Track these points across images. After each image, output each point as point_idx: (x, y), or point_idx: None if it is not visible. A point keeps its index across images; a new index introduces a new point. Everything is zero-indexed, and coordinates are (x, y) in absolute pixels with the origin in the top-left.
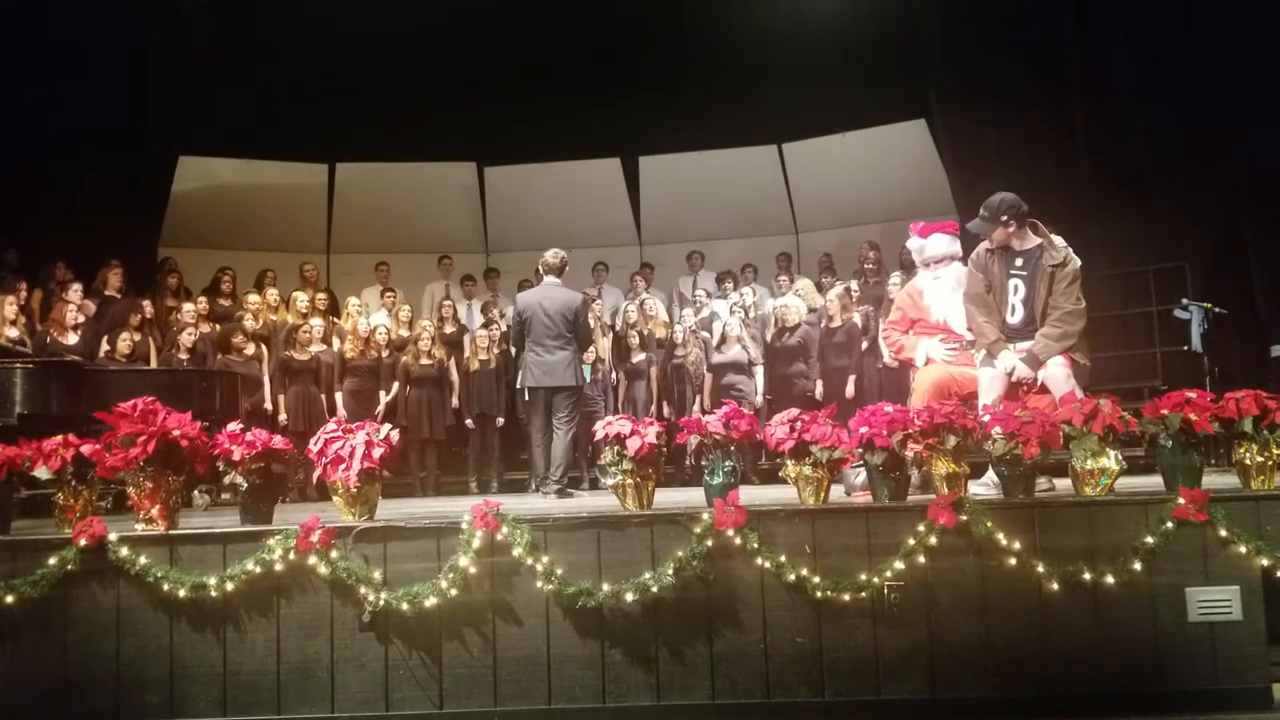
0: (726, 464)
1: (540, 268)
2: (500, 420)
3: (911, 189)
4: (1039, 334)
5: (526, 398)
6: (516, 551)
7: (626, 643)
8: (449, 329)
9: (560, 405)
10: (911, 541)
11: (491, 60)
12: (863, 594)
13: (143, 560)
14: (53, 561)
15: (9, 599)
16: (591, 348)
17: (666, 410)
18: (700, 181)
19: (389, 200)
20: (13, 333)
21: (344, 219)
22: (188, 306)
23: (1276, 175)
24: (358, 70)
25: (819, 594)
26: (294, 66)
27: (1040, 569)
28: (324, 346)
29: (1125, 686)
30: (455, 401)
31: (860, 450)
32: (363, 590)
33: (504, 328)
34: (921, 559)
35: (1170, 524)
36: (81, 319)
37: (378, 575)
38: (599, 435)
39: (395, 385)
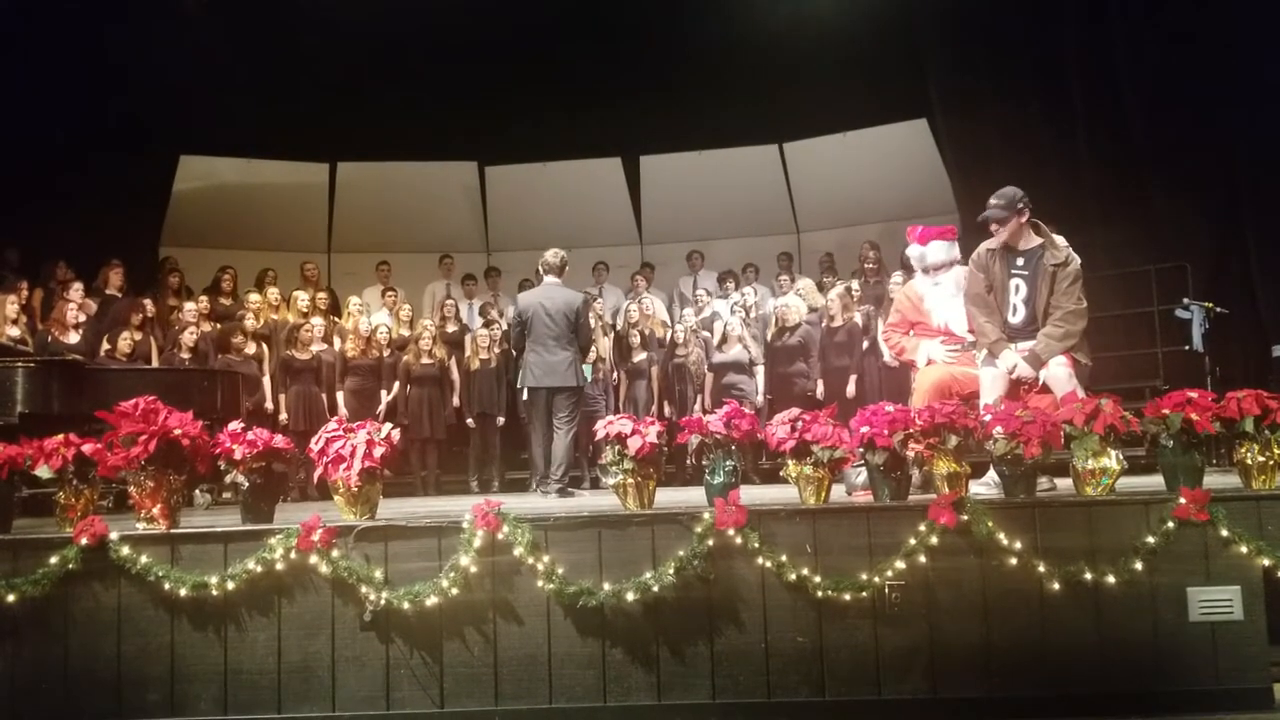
0: (727, 463)
1: (540, 268)
2: (501, 419)
3: (912, 189)
4: (1041, 333)
5: (526, 398)
6: (517, 551)
7: (627, 642)
8: (451, 328)
9: (561, 405)
10: (912, 541)
11: (492, 60)
12: (864, 594)
13: (144, 559)
14: (54, 560)
15: (10, 598)
16: (592, 347)
17: (667, 410)
18: (701, 181)
19: (390, 200)
20: (14, 332)
21: (345, 218)
22: (189, 306)
23: (1278, 175)
24: (359, 70)
25: (820, 594)
26: (295, 66)
27: (1041, 569)
28: (325, 346)
29: (1126, 686)
30: (456, 401)
31: (861, 450)
32: (364, 589)
33: (504, 327)
34: (922, 559)
35: (1171, 524)
36: (83, 318)
37: (379, 574)
38: (600, 435)
39: (396, 384)
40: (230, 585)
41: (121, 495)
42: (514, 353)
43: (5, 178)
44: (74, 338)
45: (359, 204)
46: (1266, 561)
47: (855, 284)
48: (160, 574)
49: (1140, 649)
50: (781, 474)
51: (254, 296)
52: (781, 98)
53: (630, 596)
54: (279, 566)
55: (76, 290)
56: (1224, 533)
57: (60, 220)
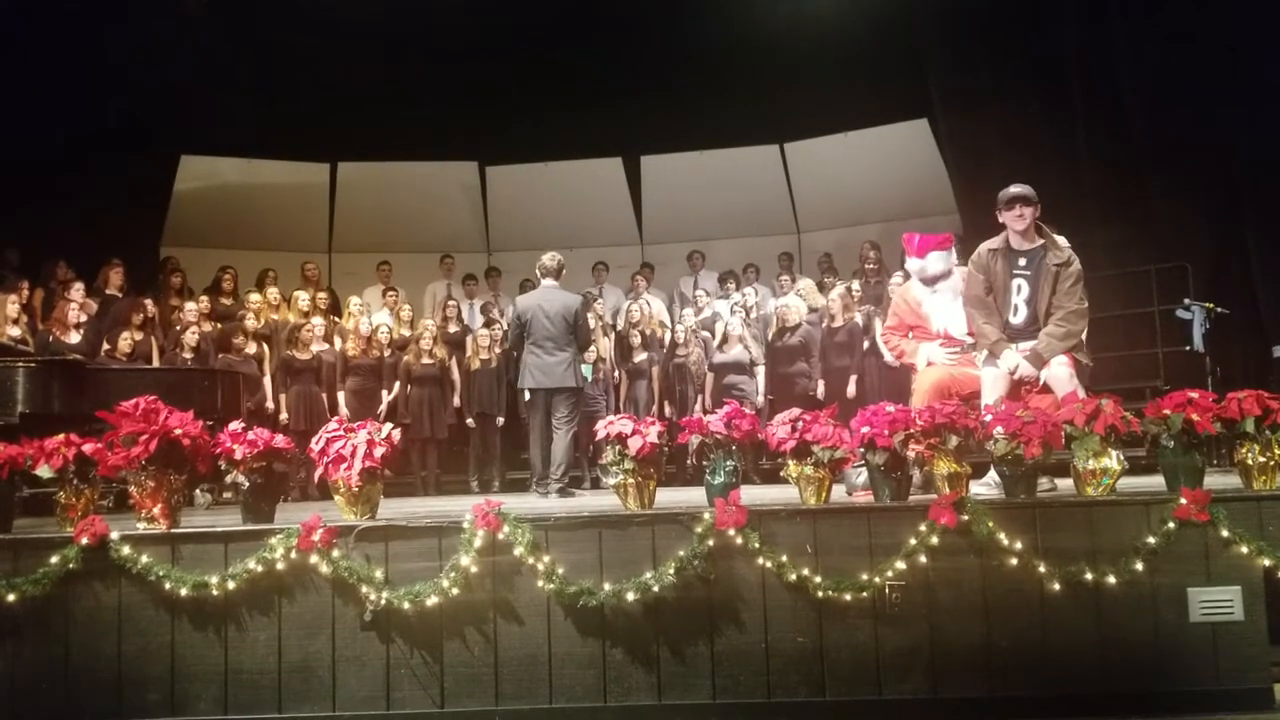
0: (728, 464)
1: (538, 271)
2: (501, 419)
3: (912, 189)
4: (1043, 333)
5: (528, 398)
6: (518, 551)
7: (628, 642)
8: (452, 328)
9: (560, 406)
10: (913, 541)
11: (492, 60)
12: (864, 594)
13: (144, 559)
14: (54, 560)
15: (11, 597)
16: (592, 347)
17: (668, 410)
18: (701, 181)
19: (391, 199)
20: (15, 331)
21: (345, 218)
22: (190, 306)
23: (1278, 175)
24: (359, 70)
25: (820, 594)
26: (295, 66)
27: (1042, 569)
28: (325, 346)
29: (1127, 687)
30: (457, 401)
31: (862, 450)
32: (364, 589)
33: (504, 327)
34: (923, 559)
35: (1172, 524)
36: (83, 318)
37: (379, 574)
38: (600, 435)
39: (397, 384)
40: (231, 585)
41: (122, 495)
42: (513, 354)
43: (5, 178)
44: (75, 338)
45: (359, 204)
46: (1267, 562)
47: (856, 284)
48: (161, 574)
49: (1141, 649)
50: (782, 474)
51: (254, 296)
52: (782, 98)
53: (630, 596)
54: (279, 566)
55: (77, 290)
56: (1225, 533)
57: (60, 220)
